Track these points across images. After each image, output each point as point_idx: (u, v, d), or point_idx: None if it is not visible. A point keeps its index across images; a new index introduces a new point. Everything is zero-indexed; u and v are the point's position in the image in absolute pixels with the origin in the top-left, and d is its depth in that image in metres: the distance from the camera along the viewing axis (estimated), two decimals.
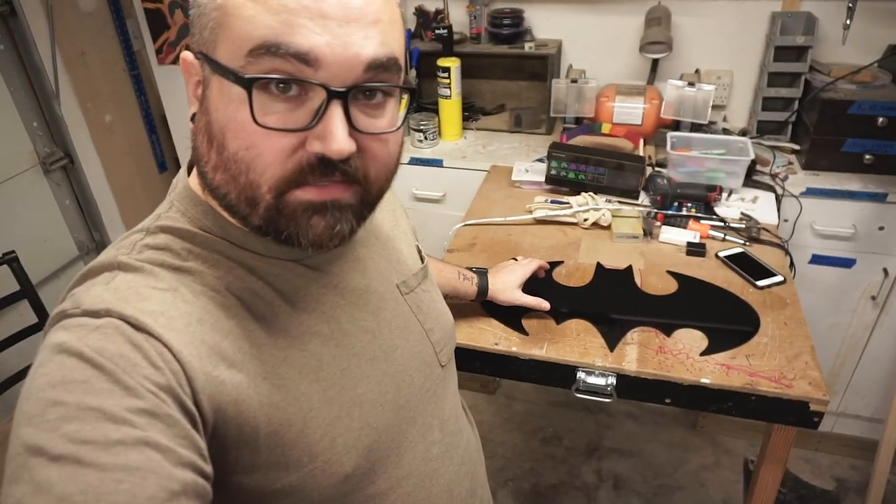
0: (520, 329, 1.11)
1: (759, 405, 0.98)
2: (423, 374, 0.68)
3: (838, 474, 1.91)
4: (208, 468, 0.46)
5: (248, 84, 0.46)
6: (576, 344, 1.07)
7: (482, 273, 1.09)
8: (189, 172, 0.59)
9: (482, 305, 1.14)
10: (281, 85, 0.47)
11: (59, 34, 1.83)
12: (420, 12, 2.00)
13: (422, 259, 0.76)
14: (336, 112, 0.47)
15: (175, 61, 2.02)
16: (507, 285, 1.09)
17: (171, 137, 2.31)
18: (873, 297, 1.63)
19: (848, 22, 1.50)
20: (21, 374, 1.55)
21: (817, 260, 1.63)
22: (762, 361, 1.02)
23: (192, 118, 0.53)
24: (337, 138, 0.47)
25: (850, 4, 1.48)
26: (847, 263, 1.61)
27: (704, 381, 0.99)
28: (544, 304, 1.10)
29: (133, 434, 0.42)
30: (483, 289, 1.08)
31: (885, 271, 1.59)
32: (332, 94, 0.47)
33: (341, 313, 0.61)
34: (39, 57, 1.80)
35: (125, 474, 0.40)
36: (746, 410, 0.99)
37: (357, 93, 0.49)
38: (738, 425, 2.01)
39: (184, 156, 2.27)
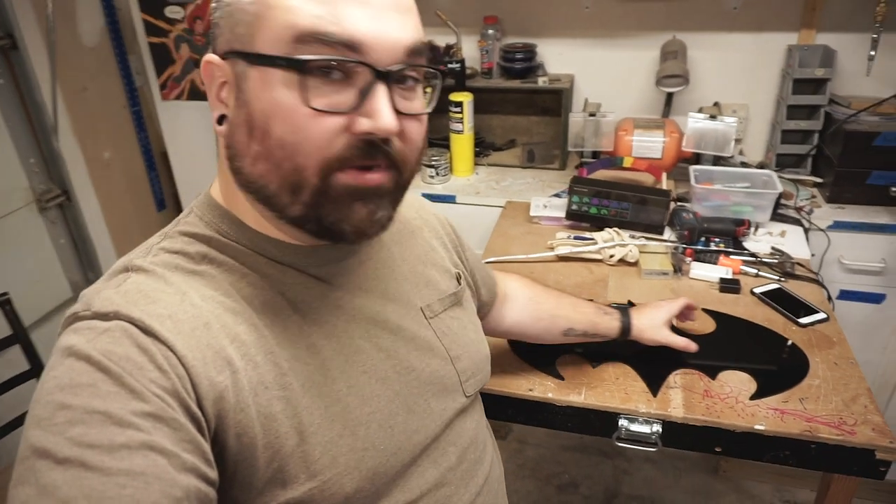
0: (554, 373, 1.04)
1: (819, 454, 0.91)
2: (443, 401, 0.66)
3: None
4: (213, 473, 0.46)
5: (301, 67, 0.47)
6: (616, 389, 1.00)
7: (624, 309, 1.02)
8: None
9: (511, 347, 1.07)
10: (326, 69, 0.48)
11: (60, 69, 1.79)
12: (430, 47, 1.98)
13: (459, 283, 0.74)
14: (382, 91, 0.49)
15: (180, 96, 1.97)
16: (653, 322, 1.01)
17: (171, 174, 2.25)
18: None
19: (872, 53, 1.48)
20: (15, 423, 1.45)
21: (846, 295, 1.58)
22: (818, 405, 0.95)
23: (220, 121, 0.53)
24: (385, 115, 0.49)
25: (875, 35, 1.47)
26: (876, 299, 1.56)
27: (759, 427, 0.92)
28: (692, 346, 1.01)
29: (138, 438, 0.42)
30: (626, 325, 0.99)
31: None
32: (378, 75, 0.49)
33: (355, 328, 0.60)
34: (40, 92, 1.75)
35: (129, 479, 0.41)
36: (805, 460, 0.92)
37: (394, 77, 0.51)
38: (762, 469, 1.92)
39: (185, 192, 2.20)
